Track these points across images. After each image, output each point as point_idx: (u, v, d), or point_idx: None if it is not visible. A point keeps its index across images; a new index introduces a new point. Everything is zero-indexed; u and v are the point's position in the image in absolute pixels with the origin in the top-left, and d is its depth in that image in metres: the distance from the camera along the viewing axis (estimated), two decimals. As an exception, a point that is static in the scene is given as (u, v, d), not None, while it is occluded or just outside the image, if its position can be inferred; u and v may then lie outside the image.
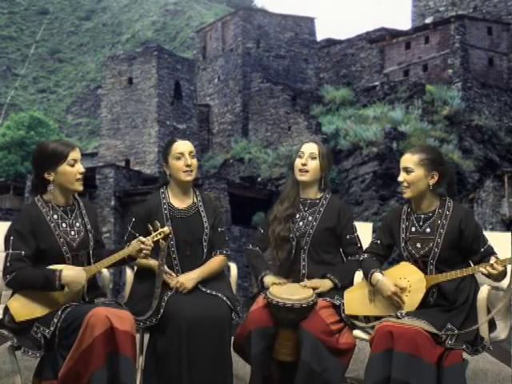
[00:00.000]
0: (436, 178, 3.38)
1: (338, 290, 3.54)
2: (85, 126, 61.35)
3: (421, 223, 3.41)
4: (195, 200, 3.71)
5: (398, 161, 3.62)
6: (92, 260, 3.34)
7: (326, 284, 3.55)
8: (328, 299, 3.47)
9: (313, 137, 30.08)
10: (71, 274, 3.13)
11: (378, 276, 3.36)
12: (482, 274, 3.19)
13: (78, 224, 3.33)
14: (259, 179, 32.96)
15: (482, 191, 28.20)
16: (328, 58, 41.63)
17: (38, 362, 3.18)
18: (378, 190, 29.07)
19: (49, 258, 3.19)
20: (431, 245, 3.35)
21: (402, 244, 3.43)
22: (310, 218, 3.67)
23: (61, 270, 3.12)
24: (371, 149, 29.99)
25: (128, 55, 39.47)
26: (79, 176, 3.29)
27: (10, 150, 41.82)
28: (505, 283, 3.28)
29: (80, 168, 3.29)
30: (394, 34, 39.08)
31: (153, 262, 3.47)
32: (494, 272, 3.14)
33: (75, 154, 3.29)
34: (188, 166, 3.60)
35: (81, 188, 3.31)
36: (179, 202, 3.67)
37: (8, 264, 3.15)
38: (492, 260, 3.18)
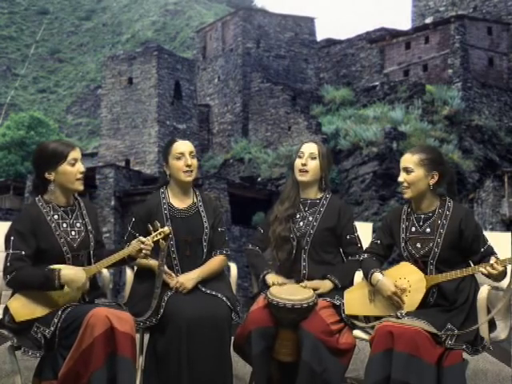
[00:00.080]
0: (436, 177, 3.39)
1: (338, 290, 3.54)
2: (85, 126, 61.35)
3: (421, 223, 3.41)
4: (195, 200, 3.71)
5: (397, 161, 3.62)
6: (92, 260, 3.34)
7: (326, 285, 3.55)
8: (328, 299, 3.47)
9: (313, 137, 30.09)
10: (70, 272, 3.13)
11: (377, 276, 3.36)
12: (482, 274, 3.19)
13: (78, 224, 3.33)
14: (259, 179, 32.96)
15: (482, 191, 28.20)
16: (328, 58, 41.63)
17: (37, 362, 3.18)
18: (378, 189, 29.08)
19: (49, 258, 3.19)
20: (431, 245, 3.35)
21: (402, 244, 3.43)
22: (311, 218, 3.67)
23: (60, 269, 3.12)
24: (371, 149, 29.99)
25: (128, 55, 39.47)
26: (80, 175, 3.29)
27: (10, 149, 41.82)
28: (505, 283, 3.28)
29: (80, 167, 3.29)
30: (394, 33, 39.08)
31: (153, 262, 3.47)
32: (494, 272, 3.14)
33: (75, 154, 3.29)
34: (188, 166, 3.60)
35: (81, 187, 3.32)
36: (179, 201, 3.67)
37: (8, 264, 3.15)
38: (492, 260, 3.18)
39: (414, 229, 3.42)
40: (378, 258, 3.52)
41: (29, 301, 3.16)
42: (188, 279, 3.49)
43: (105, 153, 38.86)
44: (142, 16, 75.02)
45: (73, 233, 3.29)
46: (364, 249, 3.62)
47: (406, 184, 3.39)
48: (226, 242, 3.74)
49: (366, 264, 3.47)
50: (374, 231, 3.87)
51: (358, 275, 3.57)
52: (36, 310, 3.15)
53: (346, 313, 3.44)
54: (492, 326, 3.34)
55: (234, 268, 3.86)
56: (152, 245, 3.27)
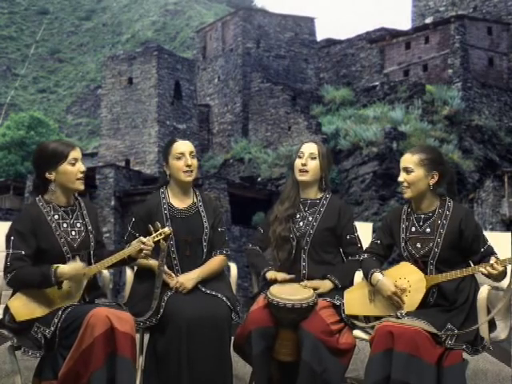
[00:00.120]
0: (436, 177, 3.39)
1: (338, 290, 3.54)
2: (85, 126, 61.34)
3: (421, 223, 3.41)
4: (195, 200, 3.71)
5: (397, 161, 3.62)
6: (92, 260, 3.34)
7: (326, 285, 3.55)
8: (328, 299, 3.47)
9: (313, 137, 30.09)
10: (67, 267, 3.13)
11: (378, 276, 3.36)
12: (482, 274, 3.19)
13: (78, 224, 3.33)
14: (259, 179, 32.96)
15: (482, 191, 28.20)
16: (328, 58, 41.63)
17: (38, 362, 3.18)
18: (378, 189, 29.08)
19: (49, 258, 3.19)
20: (431, 245, 3.35)
21: (402, 244, 3.43)
22: (311, 218, 3.67)
23: (57, 266, 3.12)
24: (371, 149, 29.99)
25: (128, 55, 39.47)
26: (80, 175, 3.29)
27: (10, 149, 41.82)
28: (505, 283, 3.28)
29: (81, 167, 3.29)
30: (394, 33, 39.08)
31: (153, 262, 3.47)
32: (494, 272, 3.14)
33: (76, 154, 3.29)
34: (188, 166, 3.60)
35: (82, 187, 3.32)
36: (179, 201, 3.67)
37: (8, 264, 3.15)
38: (492, 260, 3.17)
39: (413, 229, 3.42)
40: (378, 258, 3.52)
41: (29, 300, 3.16)
42: (188, 279, 3.49)
43: (105, 153, 38.86)
44: (141, 16, 75.02)
45: (73, 233, 3.29)
46: (364, 249, 3.62)
47: (406, 184, 3.39)
48: (225, 242, 3.73)
49: (366, 264, 3.47)
50: (374, 231, 3.87)
51: (358, 275, 3.57)
52: (36, 310, 3.15)
53: (346, 313, 3.45)
54: (492, 326, 3.34)
55: (233, 268, 3.86)
56: (153, 245, 3.27)
